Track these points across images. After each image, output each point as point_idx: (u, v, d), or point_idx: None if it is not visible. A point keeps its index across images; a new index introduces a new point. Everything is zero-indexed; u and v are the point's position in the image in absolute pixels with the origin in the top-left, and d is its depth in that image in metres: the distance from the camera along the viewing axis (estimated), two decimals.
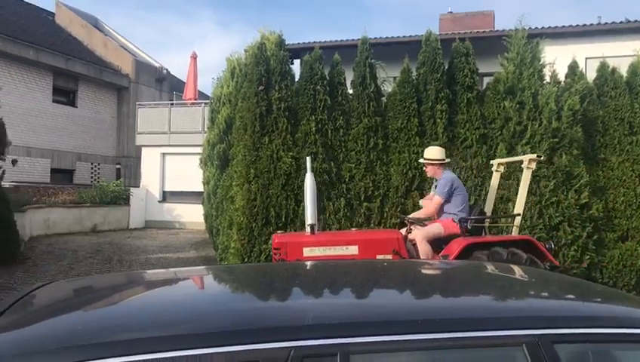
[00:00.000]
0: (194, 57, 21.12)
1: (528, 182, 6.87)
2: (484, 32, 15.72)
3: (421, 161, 7.12)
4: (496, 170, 7.60)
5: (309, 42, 14.57)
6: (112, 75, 24.76)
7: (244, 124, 9.41)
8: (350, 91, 9.57)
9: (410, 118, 9.14)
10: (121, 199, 19.17)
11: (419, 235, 6.27)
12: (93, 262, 11.60)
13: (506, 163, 7.75)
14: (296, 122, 9.20)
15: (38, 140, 20.99)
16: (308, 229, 6.27)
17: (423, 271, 3.08)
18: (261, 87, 9.05)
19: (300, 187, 8.85)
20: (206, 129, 16.73)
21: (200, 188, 15.88)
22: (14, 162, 18.84)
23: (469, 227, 6.37)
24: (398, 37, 15.66)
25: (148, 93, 25.65)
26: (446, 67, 9.34)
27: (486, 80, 11.31)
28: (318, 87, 9.15)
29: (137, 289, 2.53)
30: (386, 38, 15.70)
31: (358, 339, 1.67)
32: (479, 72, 9.52)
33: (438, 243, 6.34)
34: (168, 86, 27.21)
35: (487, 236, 6.60)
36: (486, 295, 2.37)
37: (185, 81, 22.80)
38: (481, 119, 9.07)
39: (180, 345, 1.57)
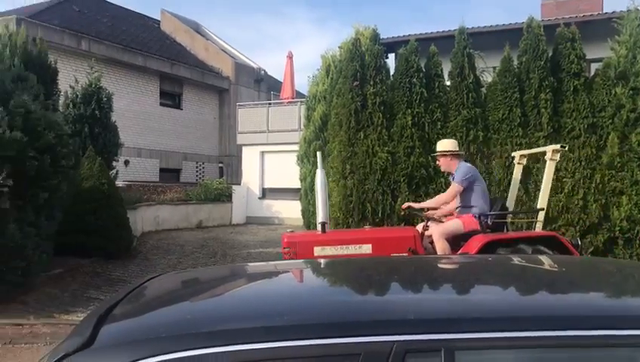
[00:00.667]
0: (290, 57, 21.51)
1: (552, 175, 6.43)
2: (591, 15, 14.75)
3: (434, 154, 6.81)
4: (519, 163, 7.09)
5: (403, 35, 14.37)
6: (213, 77, 25.81)
7: (340, 120, 9.45)
8: (448, 83, 9.34)
9: (513, 108, 8.78)
10: (224, 196, 19.92)
11: (436, 232, 5.88)
12: (199, 256, 12.15)
13: (529, 155, 7.21)
14: (392, 116, 9.12)
15: (147, 142, 22.29)
16: (319, 227, 6.04)
17: (512, 265, 2.94)
18: (356, 83, 9.05)
19: (397, 182, 8.77)
20: (302, 127, 17.01)
21: (297, 184, 16.18)
22: (127, 163, 20.21)
23: (489, 223, 6.01)
24: (496, 25, 15.08)
25: (247, 93, 26.47)
26: (550, 54, 8.87)
27: (594, 66, 10.65)
28: (414, 79, 9.02)
29: (240, 282, 2.61)
30: (484, 27, 15.16)
31: (463, 335, 1.61)
32: (586, 57, 8.96)
33: (457, 241, 5.94)
34: (266, 86, 27.94)
35: (509, 232, 6.19)
36: (589, 291, 2.22)
37: (281, 80, 23.29)
38: (589, 107, 8.54)
39: (283, 336, 1.59)
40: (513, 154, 7.44)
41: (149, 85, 22.84)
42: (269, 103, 22.73)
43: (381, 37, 9.76)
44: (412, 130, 8.89)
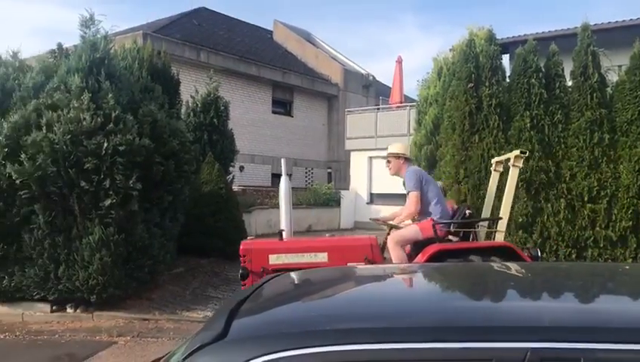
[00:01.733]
0: (399, 61, 21.39)
1: (515, 182, 5.93)
2: None
3: (384, 156, 6.42)
4: (495, 170, 6.54)
5: (519, 35, 13.80)
6: (322, 84, 26.25)
7: (453, 123, 9.24)
8: (569, 83, 8.84)
9: None
10: (333, 201, 20.15)
11: (391, 240, 5.63)
12: None
13: (504, 160, 6.52)
14: (509, 119, 8.77)
15: (260, 148, 23.10)
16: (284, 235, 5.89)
17: (622, 272, 2.69)
18: (471, 85, 8.81)
19: (516, 187, 8.40)
20: (412, 131, 16.80)
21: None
22: (242, 168, 21.07)
23: (450, 230, 5.67)
24: (623, 21, 14.05)
25: (355, 99, 26.65)
26: None
27: None
28: (533, 80, 8.62)
29: (357, 283, 2.61)
30: (609, 23, 14.19)
31: (606, 346, 1.49)
32: None
33: (417, 248, 5.57)
34: (374, 91, 27.97)
35: (462, 242, 5.72)
36: None
37: (389, 85, 23.20)
38: None
39: (412, 338, 1.56)
40: (492, 161, 6.87)
41: (262, 94, 23.68)
42: (378, 108, 22.72)
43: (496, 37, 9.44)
44: (530, 132, 8.49)
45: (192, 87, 14.40)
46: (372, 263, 5.37)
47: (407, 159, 6.21)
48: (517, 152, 6.07)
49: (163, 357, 2.55)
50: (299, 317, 1.87)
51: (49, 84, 8.17)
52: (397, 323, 1.67)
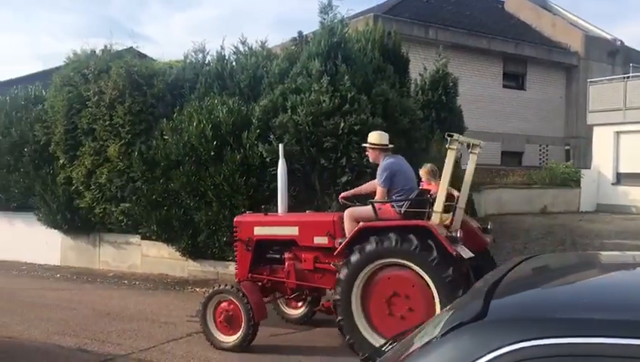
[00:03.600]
0: None
1: (451, 165, 5.47)
2: None
3: (364, 145, 6.47)
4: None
5: None
6: (560, 54, 24.17)
7: None
8: None
9: None
10: (571, 181, 18.54)
11: (347, 213, 5.93)
12: (546, 243, 11.58)
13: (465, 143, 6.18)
14: None
15: (489, 125, 22.20)
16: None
17: None
18: None
19: None
20: None
21: None
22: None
23: (401, 211, 5.76)
24: None
25: (598, 68, 24.00)
26: None
27: None
28: None
29: (619, 270, 2.34)
30: None
31: None
32: None
33: None
34: (622, 59, 24.87)
35: (388, 221, 5.65)
36: None
37: None
38: None
39: None
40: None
41: (492, 67, 22.67)
42: (627, 77, 20.15)
43: None
44: None
45: (420, 65, 14.38)
46: (333, 238, 5.87)
47: (383, 149, 6.21)
48: (476, 141, 6.15)
49: (408, 330, 2.59)
50: (561, 303, 1.74)
51: (292, 70, 8.87)
52: None
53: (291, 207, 7.48)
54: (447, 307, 2.17)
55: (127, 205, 9.99)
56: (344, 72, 8.31)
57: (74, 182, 10.57)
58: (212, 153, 8.97)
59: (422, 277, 5.18)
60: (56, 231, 11.35)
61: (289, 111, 8.36)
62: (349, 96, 8.14)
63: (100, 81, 10.18)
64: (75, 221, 11.00)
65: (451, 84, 13.49)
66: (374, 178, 6.18)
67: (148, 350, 5.84)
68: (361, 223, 5.58)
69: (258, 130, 8.64)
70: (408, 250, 5.17)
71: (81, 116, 10.30)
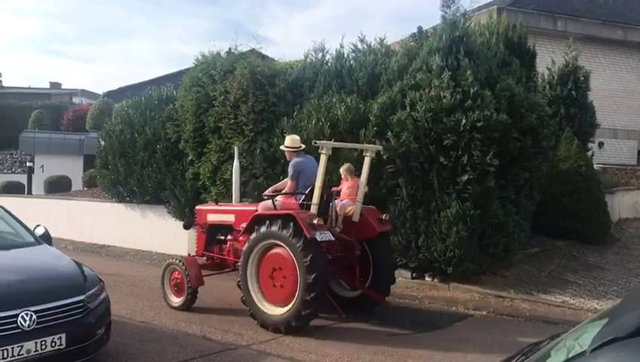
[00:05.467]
0: None
1: (324, 167, 6.67)
2: None
3: (281, 147, 7.60)
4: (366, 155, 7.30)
5: None
6: None
7: None
8: None
9: None
10: None
11: (260, 205, 7.14)
12: None
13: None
14: None
15: (624, 122, 20.50)
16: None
17: None
18: None
19: None
20: None
21: None
22: (601, 145, 19.06)
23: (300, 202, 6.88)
24: None
25: None
26: None
27: None
28: None
29: None
30: None
31: None
32: None
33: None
34: None
35: (269, 211, 6.82)
36: None
37: None
38: None
39: None
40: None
41: (628, 60, 20.89)
42: None
43: None
44: None
45: (547, 59, 13.58)
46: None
47: (295, 151, 7.26)
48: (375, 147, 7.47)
49: (543, 340, 2.41)
50: None
51: (412, 66, 8.71)
52: None
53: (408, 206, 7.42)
54: (591, 318, 1.97)
55: (249, 200, 10.35)
56: (466, 66, 8.02)
57: (201, 177, 11.14)
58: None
59: (291, 255, 6.30)
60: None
61: (407, 107, 8.22)
62: (472, 91, 7.84)
63: (225, 82, 10.62)
64: None
65: (582, 78, 12.66)
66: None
67: (268, 342, 5.99)
68: (256, 212, 6.89)
69: (375, 128, 8.58)
70: (280, 233, 6.36)
71: (208, 115, 10.82)
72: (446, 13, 8.53)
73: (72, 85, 48.71)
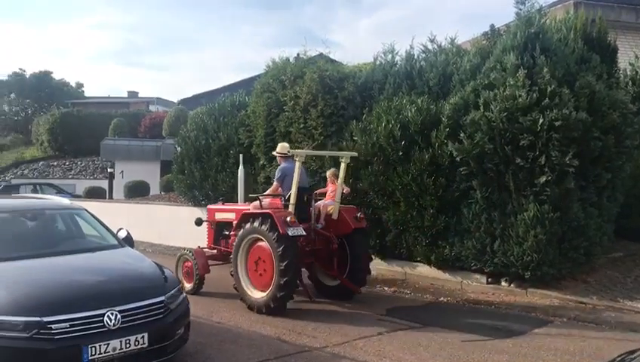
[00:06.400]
0: None
1: (298, 173, 7.73)
2: None
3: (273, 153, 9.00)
4: (342, 161, 8.26)
5: None
6: None
7: None
8: None
9: None
10: None
11: (251, 205, 8.22)
12: None
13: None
14: None
15: None
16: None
17: None
18: None
19: None
20: None
21: None
22: None
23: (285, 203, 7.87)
24: None
25: None
26: None
27: None
28: None
29: None
30: None
31: None
32: None
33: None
34: None
35: (253, 210, 7.97)
36: None
37: None
38: None
39: None
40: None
41: None
42: None
43: None
44: None
45: (629, 54, 12.88)
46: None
47: (283, 157, 8.37)
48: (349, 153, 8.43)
49: (636, 349, 2.29)
50: None
51: (485, 65, 8.49)
52: None
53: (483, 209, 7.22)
54: None
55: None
56: (543, 64, 7.73)
57: (272, 181, 11.31)
58: (400, 153, 8.97)
59: (269, 247, 7.37)
60: None
61: (481, 107, 8.02)
62: (549, 89, 7.55)
63: (295, 87, 10.75)
64: None
65: None
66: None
67: (341, 345, 5.99)
68: (245, 211, 8.06)
69: (448, 129, 8.43)
70: (261, 229, 7.44)
71: (279, 120, 10.98)
72: (520, 9, 8.28)
73: (148, 94, 50.76)
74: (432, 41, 9.89)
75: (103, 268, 5.49)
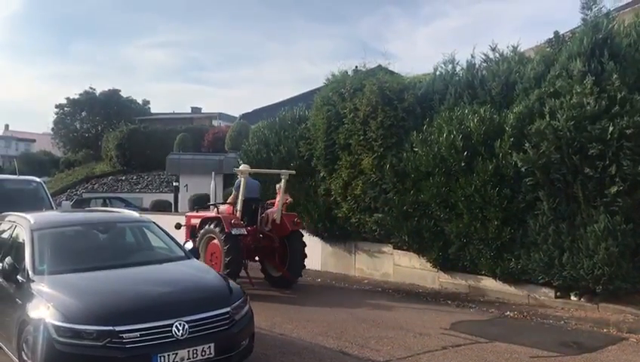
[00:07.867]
0: None
1: (244, 187, 9.94)
2: None
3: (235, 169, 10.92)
4: (283, 177, 10.37)
5: None
6: None
7: None
8: None
9: None
10: None
11: (214, 212, 10.26)
12: None
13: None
14: None
15: None
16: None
17: None
18: None
19: None
20: None
21: None
22: None
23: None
24: None
25: None
26: None
27: None
28: None
29: None
30: None
31: None
32: None
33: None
34: None
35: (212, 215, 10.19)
36: None
37: None
38: None
39: None
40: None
41: None
42: None
43: None
44: None
45: None
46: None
47: (241, 173, 10.08)
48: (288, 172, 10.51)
49: None
50: None
51: (550, 73, 8.27)
52: None
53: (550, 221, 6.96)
54: None
55: (379, 215, 10.40)
56: (612, 70, 7.45)
57: (332, 193, 11.38)
58: (462, 164, 8.83)
59: (219, 243, 9.38)
60: (317, 238, 12.34)
61: (547, 116, 7.80)
62: (619, 96, 7.27)
63: (354, 99, 10.78)
64: (333, 229, 11.84)
65: None
66: None
67: (405, 359, 5.92)
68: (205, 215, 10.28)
69: (512, 139, 8.24)
70: (213, 229, 9.52)
71: (339, 132, 11.04)
72: (586, 15, 8.02)
73: (210, 109, 52.04)
74: (493, 49, 9.69)
75: (171, 279, 5.65)
